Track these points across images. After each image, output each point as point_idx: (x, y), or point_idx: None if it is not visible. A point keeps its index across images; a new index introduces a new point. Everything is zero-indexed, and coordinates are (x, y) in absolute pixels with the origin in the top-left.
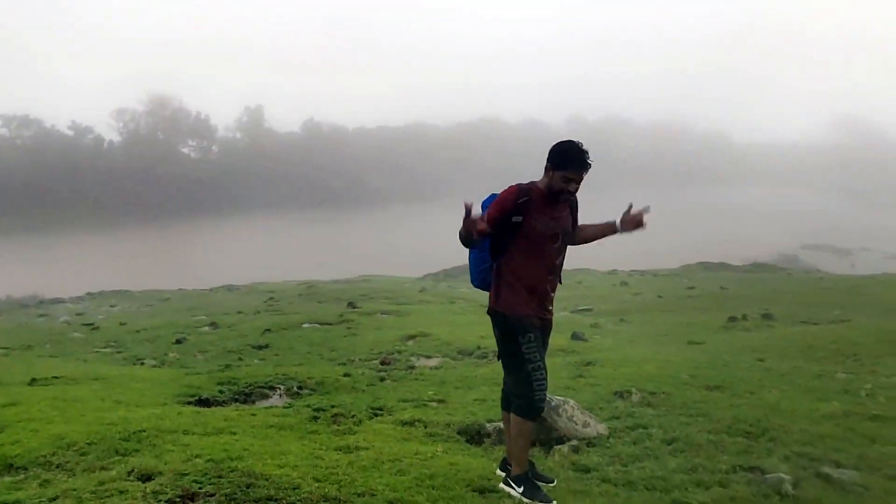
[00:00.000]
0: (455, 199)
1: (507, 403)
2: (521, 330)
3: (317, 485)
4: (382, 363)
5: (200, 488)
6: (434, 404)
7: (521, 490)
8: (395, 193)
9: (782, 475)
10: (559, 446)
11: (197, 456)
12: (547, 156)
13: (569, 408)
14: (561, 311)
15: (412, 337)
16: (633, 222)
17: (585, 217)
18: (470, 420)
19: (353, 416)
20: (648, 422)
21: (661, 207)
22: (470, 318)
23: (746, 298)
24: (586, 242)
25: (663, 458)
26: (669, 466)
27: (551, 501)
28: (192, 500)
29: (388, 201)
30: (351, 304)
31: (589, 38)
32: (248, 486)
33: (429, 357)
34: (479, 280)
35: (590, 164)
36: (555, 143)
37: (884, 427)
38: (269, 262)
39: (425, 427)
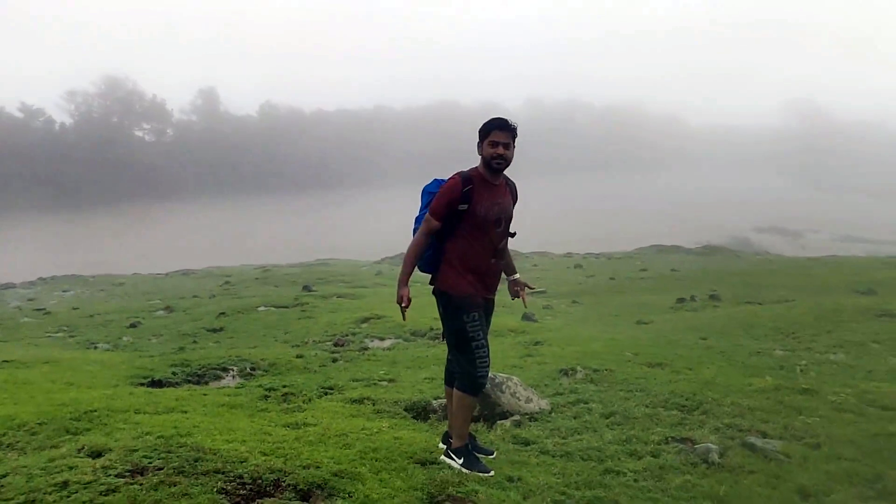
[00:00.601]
0: (413, 183)
1: (451, 379)
2: (465, 309)
3: (264, 458)
4: (336, 345)
5: (150, 463)
6: (384, 383)
7: (460, 462)
8: (353, 177)
9: (710, 445)
10: (502, 421)
11: (147, 433)
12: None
13: (512, 384)
14: None
15: (366, 319)
16: (515, 287)
17: (546, 199)
18: (418, 397)
19: (303, 395)
20: (590, 397)
21: (617, 191)
22: (424, 300)
23: (696, 280)
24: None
25: (601, 430)
26: (606, 438)
27: (489, 472)
28: (142, 474)
29: (345, 185)
30: (306, 288)
31: (547, 23)
32: (196, 460)
33: (382, 339)
34: (423, 262)
35: (513, 126)
36: None
37: (811, 399)
38: (226, 246)
39: (374, 404)
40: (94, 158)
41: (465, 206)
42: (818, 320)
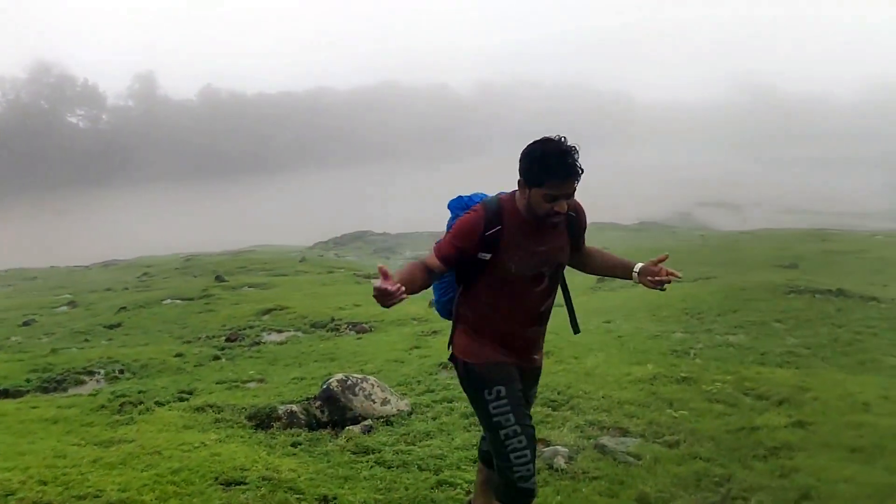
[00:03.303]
0: (357, 164)
1: (483, 455)
2: (485, 383)
3: (39, 488)
4: (228, 339)
5: None
6: (251, 384)
7: None
8: (295, 161)
9: (559, 448)
10: (352, 427)
11: None
12: (518, 165)
13: (367, 385)
14: None
15: (269, 311)
16: (652, 276)
17: (488, 181)
18: (266, 403)
19: (146, 403)
20: (459, 395)
21: None
22: (336, 288)
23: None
24: (597, 274)
25: (454, 433)
26: (455, 443)
27: None
28: None
29: (288, 168)
30: (219, 278)
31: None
32: None
33: (280, 331)
34: (445, 311)
35: (580, 169)
36: (526, 146)
37: (686, 390)
38: (159, 235)
39: (217, 412)
40: (25, 146)
41: (486, 256)
42: (726, 299)
